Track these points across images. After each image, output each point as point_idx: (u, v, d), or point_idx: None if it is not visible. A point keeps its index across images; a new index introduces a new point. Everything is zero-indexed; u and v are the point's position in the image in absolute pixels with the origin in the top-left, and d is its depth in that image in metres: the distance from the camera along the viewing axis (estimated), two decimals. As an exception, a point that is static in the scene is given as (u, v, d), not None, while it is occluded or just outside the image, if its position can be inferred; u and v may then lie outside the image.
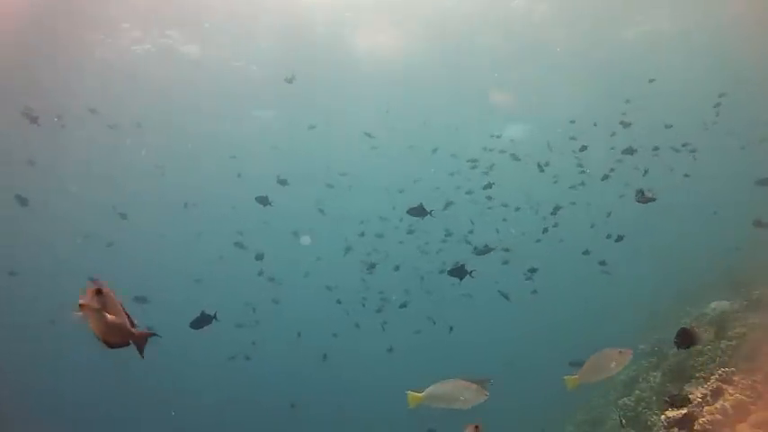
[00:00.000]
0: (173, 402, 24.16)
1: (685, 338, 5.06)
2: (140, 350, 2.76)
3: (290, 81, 14.58)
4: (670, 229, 23.73)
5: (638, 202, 8.11)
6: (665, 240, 23.87)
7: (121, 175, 21.69)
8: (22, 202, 13.17)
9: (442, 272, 12.07)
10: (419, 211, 8.44)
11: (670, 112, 18.33)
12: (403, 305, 17.07)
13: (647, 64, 17.28)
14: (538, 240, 17.02)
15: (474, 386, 3.89)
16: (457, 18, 15.56)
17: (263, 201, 11.70)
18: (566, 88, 18.97)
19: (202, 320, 6.81)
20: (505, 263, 17.49)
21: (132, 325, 2.64)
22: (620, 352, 4.16)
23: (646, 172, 13.97)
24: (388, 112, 19.04)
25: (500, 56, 17.35)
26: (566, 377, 4.37)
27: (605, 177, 13.99)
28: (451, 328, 16.13)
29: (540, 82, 18.77)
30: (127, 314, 2.62)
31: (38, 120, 12.69)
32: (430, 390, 3.93)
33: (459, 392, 3.86)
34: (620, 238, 12.24)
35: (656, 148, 15.16)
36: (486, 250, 11.90)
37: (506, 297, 12.97)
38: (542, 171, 14.99)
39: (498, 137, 19.20)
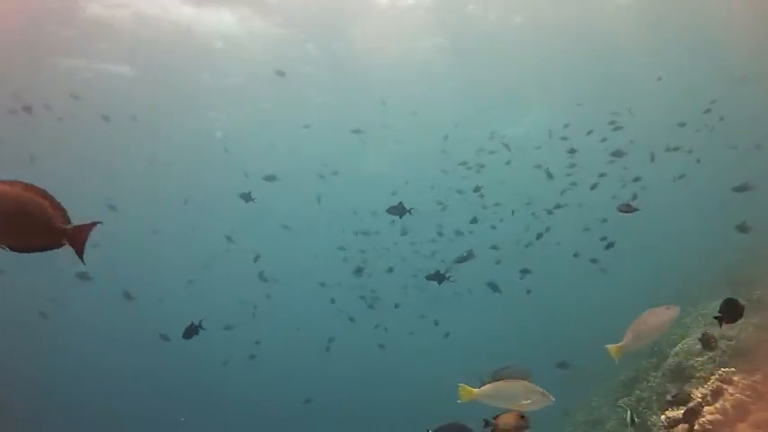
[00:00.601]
0: (173, 402, 24.15)
1: (732, 312, 4.30)
2: (77, 251, 2.28)
3: (281, 74, 14.57)
4: (668, 228, 23.73)
5: (620, 211, 8.02)
6: (663, 240, 23.88)
7: (115, 168, 21.46)
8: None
9: (437, 271, 12.24)
10: (398, 210, 8.49)
11: (666, 111, 18.36)
12: (397, 305, 17.16)
13: (646, 61, 17.26)
14: (527, 245, 17.00)
15: (540, 389, 3.70)
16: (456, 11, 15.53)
17: (247, 197, 11.88)
18: (564, 86, 18.95)
19: (190, 331, 7.00)
20: (498, 263, 17.55)
21: (65, 223, 2.15)
22: (667, 308, 3.90)
23: (638, 179, 14.04)
24: (385, 104, 18.84)
25: (498, 52, 17.31)
26: (608, 346, 4.00)
27: (594, 187, 13.98)
28: (447, 334, 16.17)
29: (539, 80, 18.75)
30: (61, 210, 2.16)
31: (31, 109, 12.58)
32: (490, 387, 3.75)
33: (524, 394, 3.67)
34: (610, 245, 12.33)
35: (652, 159, 15.21)
36: (466, 258, 12.03)
37: (496, 289, 13.00)
38: (551, 178, 14.93)
39: (491, 138, 19.14)
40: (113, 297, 17.36)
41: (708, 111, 15.03)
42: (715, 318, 4.45)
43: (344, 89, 19.03)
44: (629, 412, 5.82)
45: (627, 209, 7.95)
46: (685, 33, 16.38)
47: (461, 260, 12.08)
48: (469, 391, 3.74)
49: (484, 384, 4.00)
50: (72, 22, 14.58)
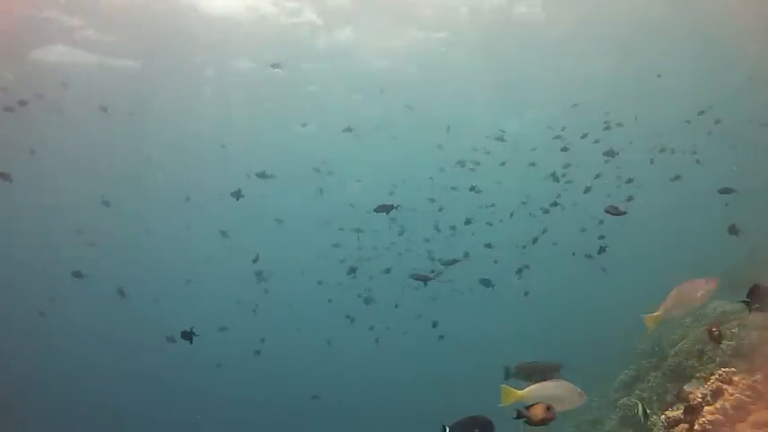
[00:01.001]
0: (171, 402, 24.09)
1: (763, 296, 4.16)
2: None
3: (275, 67, 14.58)
4: (668, 229, 23.73)
5: (608, 213, 7.93)
6: (662, 241, 23.88)
7: (111, 165, 21.34)
8: (4, 177, 12.95)
9: (432, 270, 12.40)
10: (385, 208, 8.78)
11: (666, 112, 18.34)
12: (397, 306, 17.25)
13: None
14: (524, 246, 17.02)
15: (578, 390, 3.91)
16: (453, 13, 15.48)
17: (237, 194, 12.29)
18: (558, 86, 18.90)
19: (184, 336, 7.26)
20: (496, 262, 17.58)
21: None
22: (706, 281, 3.98)
23: (630, 180, 14.05)
24: (383, 91, 18.77)
25: (495, 51, 17.27)
26: (645, 315, 4.09)
27: (587, 190, 13.95)
28: (442, 336, 16.21)
29: (534, 79, 18.71)
30: None
31: (26, 103, 12.56)
32: (532, 389, 3.94)
33: (564, 395, 3.90)
34: (603, 249, 12.35)
35: (652, 161, 15.18)
36: (452, 262, 12.21)
37: (488, 284, 13.00)
38: (558, 181, 14.89)
39: (488, 137, 19.12)
40: (110, 296, 17.31)
41: (701, 113, 15.02)
42: (743, 302, 4.35)
43: (342, 84, 18.88)
44: (640, 405, 5.69)
45: (614, 211, 7.85)
46: (688, 34, 16.36)
47: (449, 263, 12.23)
48: (513, 393, 3.89)
49: (509, 375, 4.52)
50: (69, 9, 14.31)
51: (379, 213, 8.96)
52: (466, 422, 4.05)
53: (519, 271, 14.25)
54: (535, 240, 15.20)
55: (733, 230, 9.17)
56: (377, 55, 17.42)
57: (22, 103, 12.69)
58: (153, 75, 17.38)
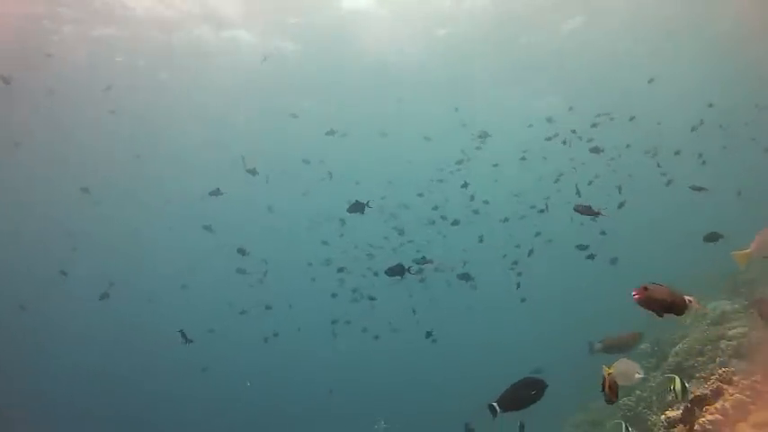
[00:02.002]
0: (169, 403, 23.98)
1: None
2: None
3: (266, 58, 14.62)
4: (669, 226, 23.73)
5: (577, 212, 7.85)
6: (663, 238, 23.88)
7: (100, 162, 21.18)
8: None
9: (420, 269, 12.42)
10: (357, 207, 8.86)
11: (668, 113, 18.34)
12: (415, 312, 17.31)
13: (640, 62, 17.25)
14: (518, 245, 17.02)
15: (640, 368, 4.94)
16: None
17: (215, 193, 12.90)
18: (555, 88, 18.88)
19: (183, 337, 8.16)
20: (505, 256, 17.57)
21: None
22: None
23: (620, 188, 14.08)
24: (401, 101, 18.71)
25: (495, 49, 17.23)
26: (734, 252, 4.46)
27: (578, 202, 13.88)
28: (435, 341, 16.26)
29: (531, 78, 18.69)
30: None
31: (10, 81, 12.45)
32: (616, 366, 4.67)
33: (634, 371, 4.86)
34: (591, 257, 12.38)
35: (658, 164, 15.18)
36: (424, 261, 12.36)
37: (467, 279, 13.01)
38: (580, 195, 14.82)
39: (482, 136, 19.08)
40: (100, 298, 17.16)
41: (696, 127, 15.01)
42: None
43: (334, 80, 18.69)
44: (678, 380, 5.38)
45: (585, 210, 7.74)
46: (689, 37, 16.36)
47: (420, 262, 12.32)
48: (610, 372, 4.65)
49: (592, 351, 5.44)
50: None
51: (354, 213, 8.94)
52: (516, 388, 4.11)
53: (512, 268, 14.24)
54: (530, 253, 15.16)
55: (712, 238, 8.88)
56: (382, 46, 17.10)
57: (5, 80, 12.47)
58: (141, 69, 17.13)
